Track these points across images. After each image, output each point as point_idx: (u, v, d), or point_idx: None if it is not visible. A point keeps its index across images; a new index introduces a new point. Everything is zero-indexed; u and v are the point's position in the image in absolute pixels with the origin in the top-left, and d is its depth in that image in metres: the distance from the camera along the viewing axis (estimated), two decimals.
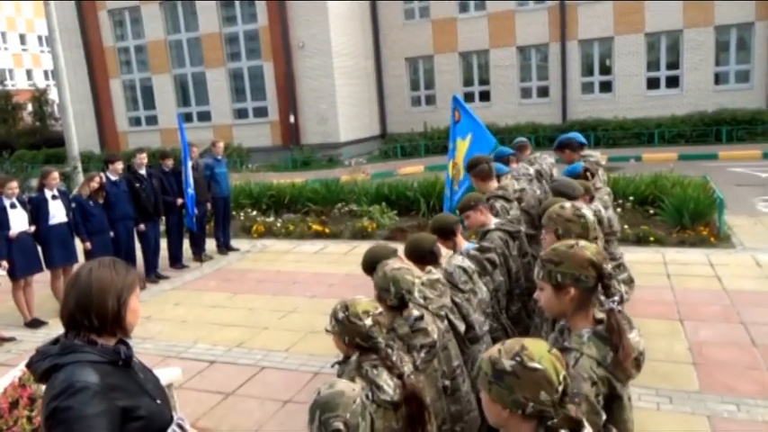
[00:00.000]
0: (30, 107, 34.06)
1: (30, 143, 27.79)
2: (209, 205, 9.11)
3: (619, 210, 8.55)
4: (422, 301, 2.76)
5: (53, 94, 34.53)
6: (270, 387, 4.85)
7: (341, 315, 2.33)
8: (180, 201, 8.45)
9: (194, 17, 22.74)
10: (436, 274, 2.99)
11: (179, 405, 4.23)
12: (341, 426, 1.87)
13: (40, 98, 33.80)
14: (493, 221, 3.90)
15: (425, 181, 11.25)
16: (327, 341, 2.48)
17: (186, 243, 8.94)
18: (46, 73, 44.32)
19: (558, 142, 5.50)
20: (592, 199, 4.17)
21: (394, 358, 2.37)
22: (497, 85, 22.41)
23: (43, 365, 1.73)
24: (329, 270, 8.12)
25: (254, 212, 11.36)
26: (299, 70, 21.48)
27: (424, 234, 3.37)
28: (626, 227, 8.21)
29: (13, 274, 6.42)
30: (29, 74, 43.55)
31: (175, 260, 8.71)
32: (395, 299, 2.64)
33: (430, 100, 24.06)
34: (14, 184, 6.52)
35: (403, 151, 21.98)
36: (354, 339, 2.30)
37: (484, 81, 23.15)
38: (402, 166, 18.88)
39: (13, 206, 6.36)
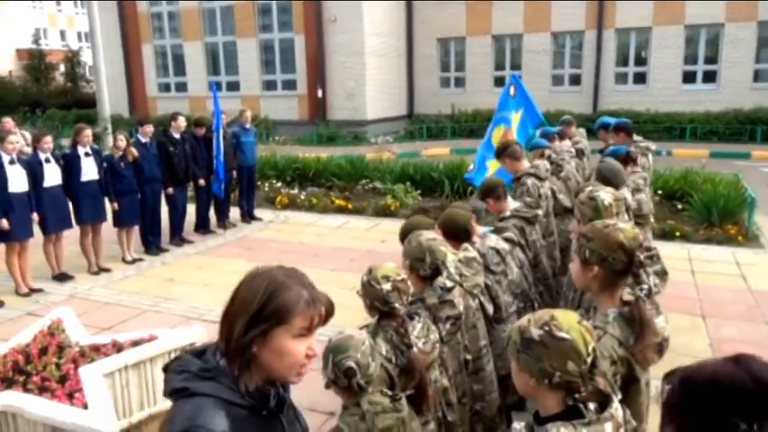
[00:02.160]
0: (62, 68, 34.44)
1: (61, 103, 28.15)
2: (234, 173, 9.19)
3: (652, 221, 8.46)
4: (458, 277, 2.79)
5: (85, 56, 34.92)
6: None
7: (365, 278, 2.41)
8: (202, 181, 8.50)
9: None
10: (473, 252, 3.03)
11: None
12: (352, 364, 2.01)
13: (72, 59, 34.14)
14: (510, 207, 3.95)
15: (451, 163, 11.20)
16: (346, 314, 2.53)
17: (212, 209, 9.05)
18: (79, 35, 44.68)
19: (601, 123, 6.13)
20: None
21: (418, 327, 2.43)
22: (529, 70, 22.06)
23: (175, 383, 1.35)
24: (350, 245, 8.17)
25: (279, 184, 11.43)
26: (329, 45, 21.38)
27: (459, 210, 3.36)
28: (652, 220, 8.10)
29: (45, 229, 6.57)
30: (62, 34, 43.96)
31: (200, 225, 8.84)
32: (429, 269, 2.66)
33: (459, 82, 23.82)
34: (49, 138, 6.65)
35: (429, 132, 21.87)
36: (374, 302, 2.37)
37: (516, 66, 22.80)
38: (428, 147, 18.81)
39: (11, 162, 6.13)
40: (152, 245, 7.88)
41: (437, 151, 17.35)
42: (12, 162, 6.14)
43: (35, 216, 6.35)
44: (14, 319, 5.74)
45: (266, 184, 11.31)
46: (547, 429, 1.45)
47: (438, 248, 2.70)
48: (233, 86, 23.12)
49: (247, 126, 9.42)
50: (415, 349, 2.34)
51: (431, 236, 2.80)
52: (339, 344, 2.06)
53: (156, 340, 4.13)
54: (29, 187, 6.24)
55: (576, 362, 1.46)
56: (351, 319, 2.56)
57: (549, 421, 1.48)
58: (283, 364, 1.38)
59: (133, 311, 5.92)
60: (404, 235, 2.99)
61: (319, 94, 21.70)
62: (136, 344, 4.08)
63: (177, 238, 8.31)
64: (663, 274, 2.82)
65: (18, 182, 6.14)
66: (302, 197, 10.60)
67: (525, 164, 4.71)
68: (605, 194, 2.88)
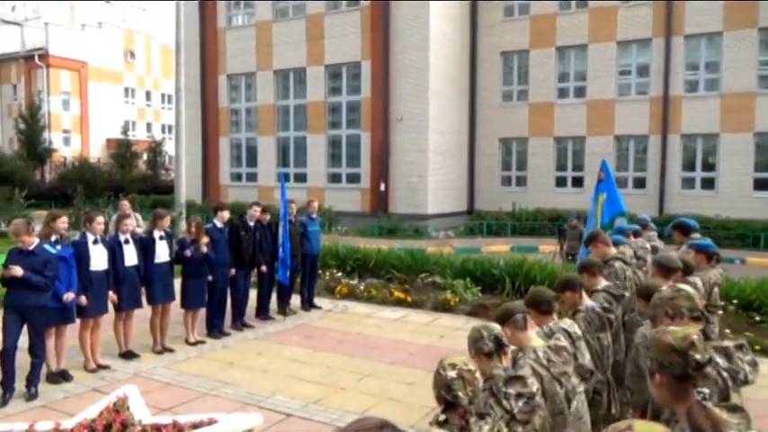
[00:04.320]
0: (145, 156, 37.03)
1: (140, 189, 30.03)
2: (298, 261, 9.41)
3: (721, 312, 8.04)
4: (545, 362, 2.88)
5: (167, 147, 37.52)
6: None
7: (437, 367, 2.40)
8: (264, 268, 8.75)
9: (303, 86, 24.29)
10: (563, 342, 3.16)
11: None
12: None
13: (155, 149, 36.74)
14: (602, 284, 4.39)
15: (512, 260, 11.11)
16: (404, 409, 2.50)
17: (273, 296, 9.22)
18: (163, 127, 48.30)
19: (673, 224, 6.48)
20: (689, 274, 4.62)
21: (486, 428, 2.37)
22: (592, 172, 21.97)
23: None
24: (409, 339, 8.08)
25: (339, 273, 11.59)
26: (394, 142, 22.22)
27: (544, 288, 3.83)
28: (727, 331, 7.68)
29: (118, 307, 6.86)
30: (148, 126, 47.60)
31: (261, 311, 8.99)
32: (490, 342, 2.70)
33: (520, 181, 24.04)
34: (129, 221, 7.09)
35: (489, 229, 21.89)
36: (440, 391, 2.34)
37: (578, 167, 22.92)
38: (488, 243, 18.76)
39: (95, 242, 6.53)
40: (215, 328, 8.04)
41: (497, 248, 17.26)
42: (95, 242, 6.55)
43: (112, 294, 6.66)
44: (81, 395, 5.89)
45: (327, 273, 11.49)
46: None
47: (491, 324, 2.81)
48: (300, 178, 24.14)
49: (314, 216, 9.75)
50: None
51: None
52: None
53: (215, 424, 4.16)
54: (108, 266, 6.60)
55: None
56: (405, 414, 2.53)
57: None
58: None
59: (193, 393, 5.98)
60: (499, 319, 3.08)
61: (382, 187, 22.32)
62: (195, 426, 4.12)
63: (239, 322, 8.46)
64: (753, 365, 2.78)
65: (99, 261, 6.52)
66: (361, 288, 10.67)
67: (613, 250, 5.40)
68: (683, 285, 3.02)
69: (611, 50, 21.85)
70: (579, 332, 3.49)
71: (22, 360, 5.82)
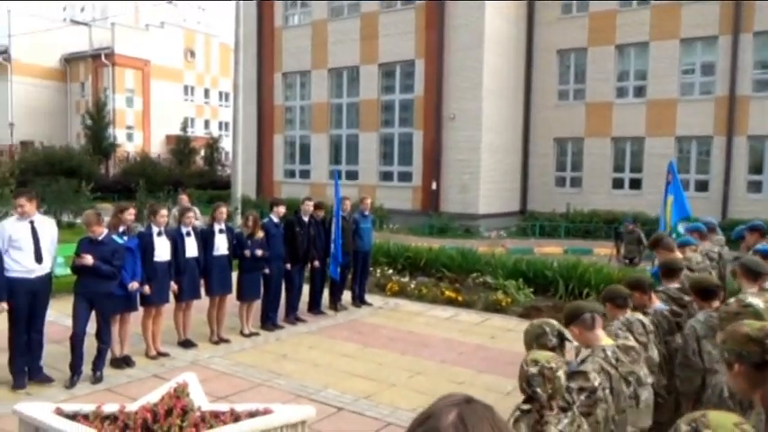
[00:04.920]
0: (202, 152, 38.13)
1: (197, 184, 30.94)
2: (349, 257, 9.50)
3: None
4: (614, 361, 2.98)
5: (223, 143, 38.51)
6: None
7: (522, 361, 2.56)
8: (317, 263, 8.85)
9: (356, 84, 24.47)
10: (632, 342, 3.27)
11: None
12: None
13: (212, 145, 37.78)
14: (655, 304, 4.29)
15: (566, 261, 10.90)
16: None
17: (326, 291, 9.35)
18: (220, 124, 49.61)
19: (749, 226, 6.40)
20: None
21: (565, 421, 2.48)
22: (650, 174, 21.35)
23: None
24: (459, 338, 8.04)
25: (390, 271, 11.63)
26: (446, 140, 22.11)
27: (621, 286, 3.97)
28: None
29: (178, 297, 7.10)
30: (206, 123, 49.01)
31: (314, 305, 9.13)
32: (553, 337, 2.83)
33: (575, 182, 23.51)
34: (191, 214, 7.33)
35: (542, 230, 21.51)
36: (522, 384, 2.50)
37: (636, 168, 22.24)
38: (540, 244, 18.45)
39: (159, 234, 6.79)
40: (269, 320, 8.22)
41: (550, 250, 16.96)
42: (159, 234, 6.80)
43: (173, 284, 6.91)
44: (142, 380, 6.13)
45: (378, 271, 11.55)
46: None
47: (550, 320, 2.94)
48: (352, 175, 24.33)
49: (366, 213, 9.82)
50: None
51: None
52: None
53: (270, 414, 4.25)
54: (170, 257, 6.84)
55: None
56: None
57: None
58: None
59: (247, 383, 6.14)
60: (567, 316, 3.20)
61: (433, 186, 22.26)
62: (252, 415, 4.21)
63: (292, 316, 8.62)
64: None
65: (163, 252, 6.76)
66: (412, 286, 10.68)
67: (679, 254, 5.31)
68: (753, 298, 3.02)
69: (674, 48, 21.08)
70: (651, 327, 3.66)
71: (89, 345, 6.10)
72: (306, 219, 8.64)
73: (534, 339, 2.83)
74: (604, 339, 3.12)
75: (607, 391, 2.86)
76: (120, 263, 6.04)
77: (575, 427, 2.47)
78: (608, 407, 2.73)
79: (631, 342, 3.23)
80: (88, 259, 5.76)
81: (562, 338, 2.83)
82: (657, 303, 4.10)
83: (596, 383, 2.76)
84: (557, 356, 2.61)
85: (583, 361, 2.87)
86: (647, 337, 3.58)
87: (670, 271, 4.58)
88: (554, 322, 2.92)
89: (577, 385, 2.71)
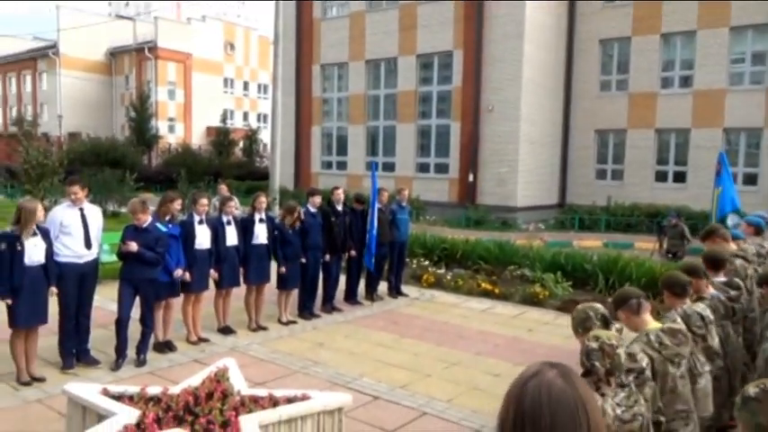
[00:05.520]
0: (241, 144, 38.73)
1: (236, 175, 31.46)
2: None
3: None
4: (656, 345, 3.14)
5: (262, 135, 39.02)
6: None
7: (585, 337, 2.76)
8: (354, 252, 8.90)
9: (394, 76, 24.43)
10: (679, 325, 3.34)
11: (345, 430, 4.42)
12: None
13: (251, 137, 38.32)
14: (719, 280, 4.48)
15: (606, 255, 10.69)
16: (489, 399, 2.58)
17: (362, 282, 9.40)
18: (259, 116, 50.30)
19: None
20: None
21: (621, 395, 2.63)
22: (696, 166, 20.76)
23: None
24: (496, 330, 7.99)
25: (427, 262, 11.62)
26: (484, 132, 21.90)
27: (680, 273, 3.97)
28: None
29: (218, 284, 7.25)
30: (245, 115, 49.75)
31: (350, 295, 9.19)
32: (597, 321, 2.97)
33: (616, 174, 23.01)
34: (233, 203, 7.45)
35: (581, 223, 21.14)
36: (582, 358, 2.67)
37: (680, 161, 21.63)
38: (580, 238, 18.13)
39: (200, 222, 6.93)
40: (306, 309, 8.32)
41: (590, 243, 16.65)
42: (200, 222, 6.95)
43: (213, 272, 7.05)
44: (183, 364, 6.29)
45: (414, 262, 11.55)
46: None
47: (595, 304, 3.09)
48: (388, 167, 24.34)
49: (404, 204, 9.82)
50: (610, 412, 2.51)
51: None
52: None
53: (308, 400, 4.31)
54: (211, 245, 6.98)
55: None
56: (491, 404, 2.56)
57: None
58: None
59: (285, 371, 6.23)
60: (617, 302, 3.33)
61: (470, 178, 22.10)
62: (290, 401, 4.28)
63: (329, 305, 8.70)
64: None
65: (203, 239, 6.91)
66: (448, 277, 10.65)
67: (733, 245, 5.28)
68: None
69: (723, 37, 20.36)
70: (711, 317, 3.73)
71: (133, 329, 6.29)
72: (340, 208, 8.68)
73: (580, 324, 2.98)
74: (651, 324, 3.26)
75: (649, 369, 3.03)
76: (162, 250, 6.20)
77: (631, 401, 2.61)
78: (654, 387, 2.89)
79: (679, 325, 3.31)
80: (133, 246, 5.93)
81: (606, 322, 2.95)
82: (713, 290, 4.18)
83: (644, 364, 2.90)
84: (618, 336, 2.76)
85: (628, 345, 2.99)
86: (706, 329, 3.67)
87: (715, 262, 4.52)
88: (598, 306, 3.04)
89: (626, 366, 2.83)
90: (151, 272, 6.15)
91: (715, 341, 3.78)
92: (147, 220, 6.15)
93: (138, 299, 6.21)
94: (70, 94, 45.39)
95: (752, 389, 1.73)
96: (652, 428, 2.80)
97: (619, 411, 2.55)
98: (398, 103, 24.31)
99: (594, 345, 2.61)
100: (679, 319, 3.42)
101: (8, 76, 51.83)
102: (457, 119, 22.64)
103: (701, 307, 3.75)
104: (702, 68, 20.80)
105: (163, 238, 6.21)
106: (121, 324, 6.10)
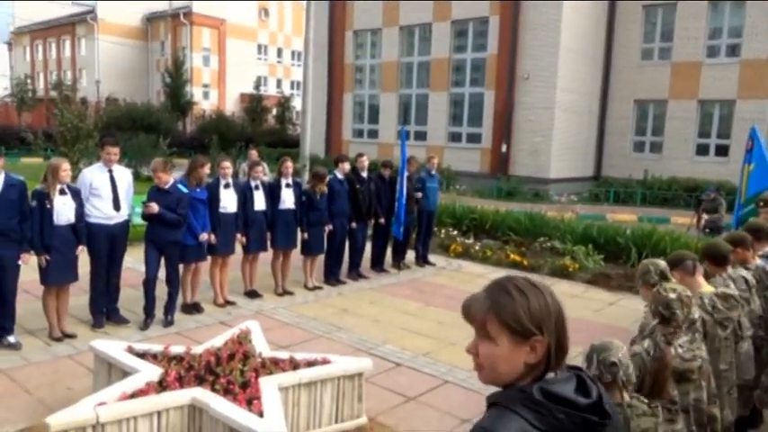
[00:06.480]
0: (274, 111, 38.79)
1: (268, 141, 31.59)
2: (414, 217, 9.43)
3: None
4: (709, 308, 3.31)
5: (294, 102, 38.96)
6: (451, 401, 4.83)
7: (655, 289, 2.93)
8: (382, 220, 8.84)
9: (428, 43, 23.98)
10: (732, 291, 3.50)
11: (365, 396, 4.42)
12: (616, 360, 2.36)
13: (284, 104, 38.33)
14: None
15: (640, 229, 10.42)
16: None
17: (389, 249, 9.37)
18: (292, 83, 50.20)
19: None
20: None
21: (684, 338, 2.88)
22: (739, 140, 19.88)
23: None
24: None
25: (455, 232, 11.51)
26: (519, 101, 21.43)
27: (722, 242, 4.10)
28: None
29: (246, 248, 7.30)
30: (278, 83, 49.70)
31: (377, 263, 9.17)
32: (656, 275, 3.18)
33: (655, 147, 22.34)
34: (260, 168, 7.45)
35: (616, 197, 20.67)
36: (658, 307, 2.85)
37: (724, 134, 20.85)
38: (614, 211, 17.72)
39: (226, 186, 6.93)
40: (332, 275, 8.33)
41: (624, 217, 16.26)
42: (226, 186, 6.95)
43: (240, 236, 7.09)
44: (209, 326, 6.38)
45: (442, 231, 11.45)
46: None
47: (658, 260, 3.34)
48: (420, 136, 24.10)
49: (433, 172, 9.69)
50: (671, 350, 2.75)
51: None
52: (602, 345, 2.40)
53: (328, 364, 4.32)
54: (237, 209, 7.00)
55: None
56: None
57: None
58: None
59: (308, 335, 6.27)
60: (670, 262, 3.47)
61: (503, 148, 21.74)
62: (310, 364, 4.29)
63: (355, 272, 8.70)
64: None
65: (229, 203, 6.93)
66: (476, 248, 10.54)
67: None
68: None
69: None
70: (754, 281, 3.87)
71: (161, 290, 6.39)
72: (364, 174, 8.60)
73: (641, 276, 3.23)
74: (704, 287, 3.44)
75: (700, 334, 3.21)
76: (184, 211, 6.20)
77: (694, 346, 2.88)
78: (702, 345, 3.05)
79: (732, 291, 3.45)
80: (154, 207, 5.97)
81: (665, 278, 3.16)
82: (759, 260, 4.17)
83: (696, 316, 3.05)
84: (688, 288, 2.98)
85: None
86: (750, 292, 3.78)
87: (758, 233, 4.42)
88: (659, 262, 3.30)
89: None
90: (174, 233, 6.19)
91: (756, 305, 3.88)
92: (168, 180, 6.17)
93: (163, 260, 6.29)
94: (108, 60, 45.96)
95: None
96: (712, 377, 3.05)
97: (681, 351, 2.83)
98: (432, 70, 23.90)
99: (673, 295, 2.81)
100: (732, 285, 3.58)
101: (48, 41, 52.67)
102: (491, 87, 22.18)
103: (744, 272, 3.87)
104: (751, 37, 19.84)
105: (184, 199, 6.21)
106: (148, 285, 6.20)
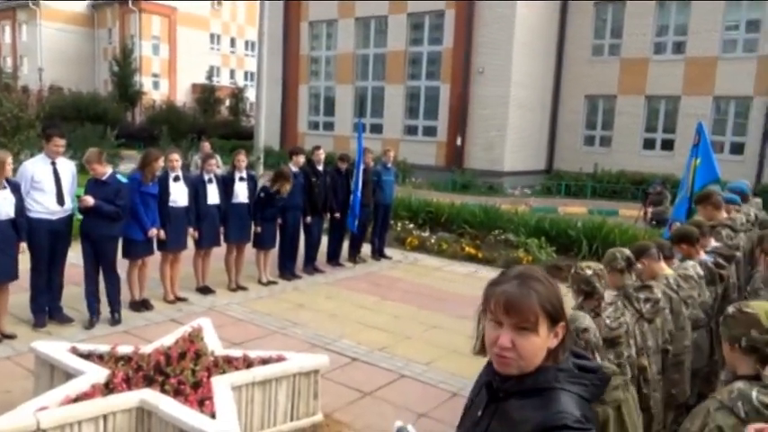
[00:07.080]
0: (227, 102, 37.98)
1: (221, 133, 30.90)
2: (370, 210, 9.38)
3: None
4: (675, 287, 3.66)
5: (248, 93, 38.25)
6: (407, 396, 4.82)
7: (572, 270, 3.17)
8: (338, 215, 8.77)
9: (383, 35, 23.89)
10: (691, 272, 3.86)
11: (320, 392, 4.36)
12: (585, 325, 2.77)
13: (237, 95, 37.56)
14: (711, 245, 4.58)
15: (591, 222, 10.66)
16: (470, 363, 2.54)
17: (345, 243, 9.29)
18: (246, 74, 49.20)
19: None
20: None
21: (609, 309, 3.14)
22: (684, 135, 20.63)
23: None
24: (478, 294, 7.84)
25: (411, 225, 11.53)
26: (474, 95, 21.61)
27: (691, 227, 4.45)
28: None
29: (198, 243, 7.10)
30: (232, 73, 48.64)
31: (333, 256, 9.09)
32: (622, 261, 3.36)
33: (604, 141, 22.92)
34: (213, 161, 7.25)
35: (567, 190, 21.13)
36: (580, 285, 3.09)
37: (669, 129, 21.56)
38: (565, 204, 18.11)
39: (176, 179, 6.70)
40: (287, 270, 8.21)
41: (575, 210, 16.64)
42: (176, 179, 6.73)
43: (191, 230, 6.89)
44: (159, 324, 6.19)
45: (398, 225, 11.45)
46: (733, 384, 1.86)
47: (623, 249, 3.51)
48: (376, 129, 24.04)
49: (389, 165, 9.66)
50: (602, 323, 3.03)
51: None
52: (571, 316, 2.49)
53: (283, 361, 4.23)
54: (188, 203, 6.79)
55: (759, 330, 1.90)
56: (470, 367, 2.48)
57: None
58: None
59: (263, 331, 6.16)
60: (635, 251, 3.66)
61: (458, 142, 21.90)
62: (264, 362, 4.20)
63: (310, 266, 8.60)
64: None
65: (179, 197, 6.71)
66: (432, 241, 10.58)
67: (723, 214, 5.22)
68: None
69: (719, 3, 20.04)
70: (702, 273, 4.05)
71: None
72: (320, 168, 8.50)
73: (608, 263, 3.36)
74: (667, 270, 3.77)
75: (667, 310, 3.54)
76: (123, 202, 5.91)
77: (618, 314, 3.14)
78: (667, 321, 3.45)
79: (690, 272, 3.83)
80: (89, 200, 5.70)
81: (629, 263, 3.38)
82: (703, 255, 4.33)
83: (659, 295, 3.39)
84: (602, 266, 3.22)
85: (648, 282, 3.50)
86: (699, 284, 3.99)
87: (684, 238, 4.39)
88: (624, 250, 3.48)
89: (644, 296, 3.36)
90: (110, 227, 5.90)
91: (706, 295, 4.09)
92: (105, 172, 5.91)
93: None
94: (51, 47, 44.02)
95: (731, 308, 2.04)
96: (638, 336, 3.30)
97: (608, 321, 3.08)
98: (388, 63, 23.84)
99: (590, 272, 3.05)
100: (691, 268, 3.88)
101: None
102: (447, 81, 22.29)
103: (691, 264, 4.04)
104: (695, 35, 20.54)
105: (122, 190, 5.93)
106: (88, 280, 5.96)
